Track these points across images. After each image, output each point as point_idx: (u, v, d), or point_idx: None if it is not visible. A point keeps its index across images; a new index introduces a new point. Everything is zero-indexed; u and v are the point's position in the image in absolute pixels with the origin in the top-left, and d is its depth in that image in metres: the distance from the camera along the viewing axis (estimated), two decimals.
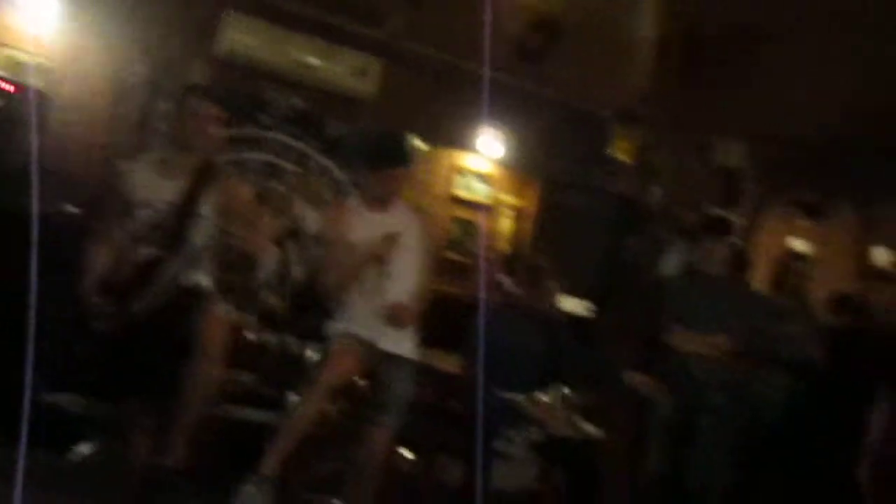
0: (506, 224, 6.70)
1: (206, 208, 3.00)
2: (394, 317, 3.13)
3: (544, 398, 3.85)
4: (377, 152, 3.38)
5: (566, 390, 3.89)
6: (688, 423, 3.82)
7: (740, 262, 4.71)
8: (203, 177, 2.98)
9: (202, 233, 3.02)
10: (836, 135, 5.80)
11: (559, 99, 6.45)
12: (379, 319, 3.15)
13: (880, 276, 4.18)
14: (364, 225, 3.23)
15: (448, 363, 4.45)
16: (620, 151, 5.69)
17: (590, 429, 3.89)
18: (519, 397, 3.82)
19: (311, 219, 5.82)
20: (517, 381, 3.83)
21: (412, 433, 4.37)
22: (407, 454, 4.40)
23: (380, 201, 3.27)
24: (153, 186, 2.97)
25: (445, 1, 4.85)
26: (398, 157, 3.33)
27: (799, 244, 7.10)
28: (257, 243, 3.31)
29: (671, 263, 4.45)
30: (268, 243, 3.40)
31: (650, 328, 4.03)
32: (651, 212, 4.71)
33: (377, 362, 3.18)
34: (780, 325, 3.92)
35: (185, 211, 2.95)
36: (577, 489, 4.33)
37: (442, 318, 5.08)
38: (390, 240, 3.09)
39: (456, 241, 6.52)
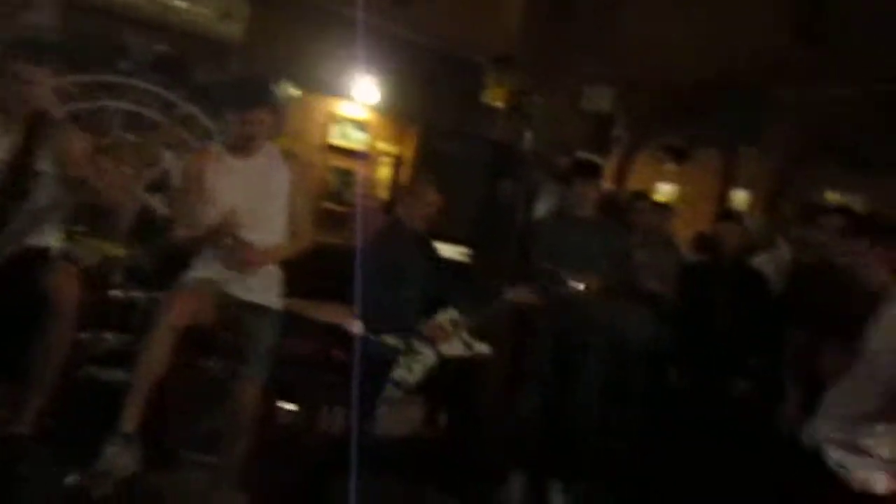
0: (384, 172, 6.65)
1: (46, 163, 2.79)
2: (242, 260, 3.02)
3: (437, 319, 3.90)
4: (236, 93, 3.23)
5: (454, 313, 3.93)
6: (565, 357, 3.95)
7: (611, 205, 4.88)
8: (35, 130, 2.76)
9: (45, 190, 2.81)
10: (701, 80, 6.05)
11: (433, 44, 6.40)
12: (233, 266, 3.05)
13: (737, 216, 4.43)
14: (226, 171, 3.10)
15: (329, 313, 4.40)
16: (494, 97, 5.72)
17: (481, 347, 3.96)
18: (400, 340, 3.84)
19: (177, 170, 5.57)
20: (405, 311, 3.83)
21: (294, 385, 4.32)
22: (288, 407, 4.35)
23: (242, 146, 3.13)
24: None
25: None
26: (257, 96, 3.19)
27: (666, 187, 7.44)
28: (110, 196, 3.09)
29: (544, 206, 4.54)
30: (121, 195, 3.18)
31: (524, 269, 4.12)
32: (524, 156, 4.78)
33: (237, 312, 3.08)
34: (643, 261, 4.10)
35: (20, 168, 2.73)
36: (460, 428, 4.42)
37: (322, 269, 5.01)
38: (231, 218, 2.94)
39: (334, 190, 6.42)
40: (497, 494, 3.87)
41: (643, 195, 5.11)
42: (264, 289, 3.16)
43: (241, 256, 3.03)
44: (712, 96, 6.26)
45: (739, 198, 6.85)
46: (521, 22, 5.13)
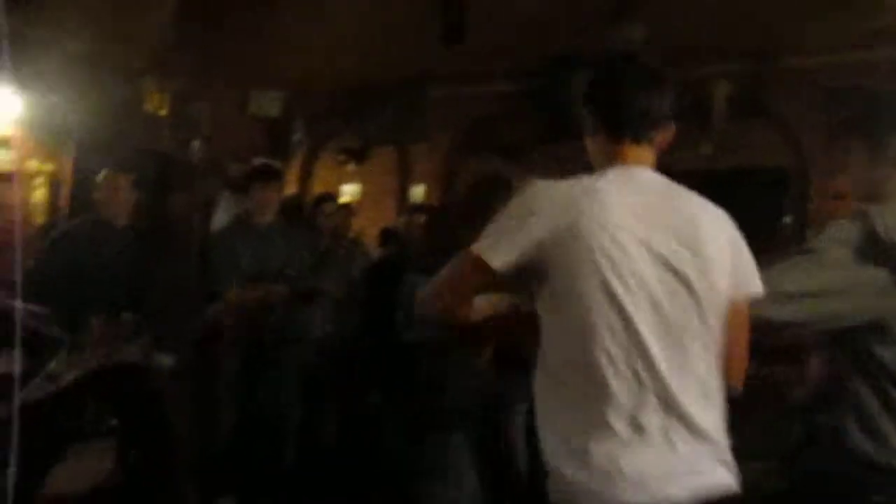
0: (40, 193, 5.92)
1: None
2: None
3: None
4: None
5: (129, 315, 3.61)
6: (258, 365, 3.86)
7: (294, 210, 4.85)
8: None
9: None
10: (367, 80, 6.26)
11: (82, 51, 5.83)
12: None
13: (417, 209, 4.65)
14: None
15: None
16: (156, 105, 5.37)
17: (164, 359, 3.68)
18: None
19: None
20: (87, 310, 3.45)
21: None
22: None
23: None
24: None
25: None
26: None
27: (350, 188, 7.61)
28: None
29: (223, 216, 4.37)
30: None
31: (207, 283, 3.95)
32: (194, 166, 4.56)
33: None
34: (318, 261, 4.14)
35: None
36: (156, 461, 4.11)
37: None
38: None
39: None
40: None
41: (329, 197, 5.17)
42: None
43: None
44: (380, 96, 6.52)
45: (417, 192, 7.21)
46: (175, 24, 4.87)
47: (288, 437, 3.98)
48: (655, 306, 1.46)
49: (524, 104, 6.28)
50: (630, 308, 1.45)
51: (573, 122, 1.78)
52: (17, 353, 2.80)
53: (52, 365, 3.39)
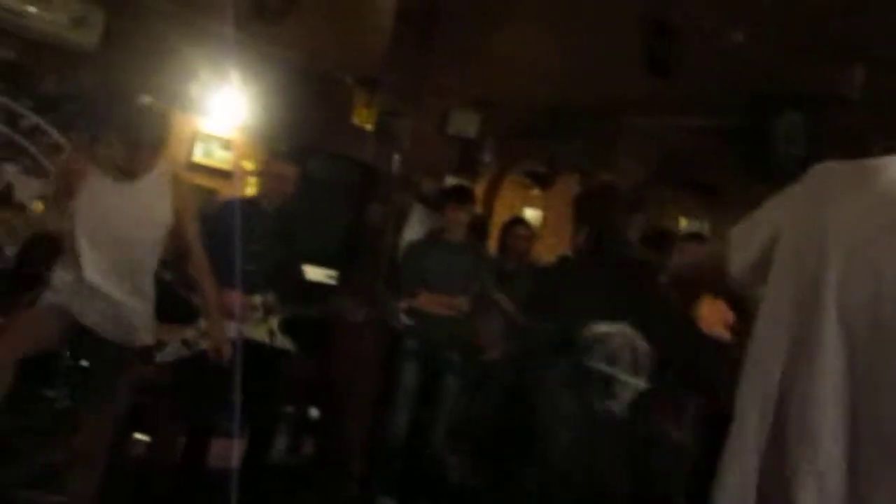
0: (250, 192, 6.47)
1: None
2: None
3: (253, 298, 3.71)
4: (129, 124, 2.97)
5: (272, 296, 3.77)
6: (429, 376, 3.99)
7: (478, 229, 4.99)
8: None
9: None
10: (560, 105, 6.30)
11: (301, 63, 6.33)
12: (86, 292, 2.86)
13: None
14: (107, 195, 2.90)
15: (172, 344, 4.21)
16: (362, 119, 5.71)
17: (285, 342, 3.83)
18: None
19: (22, 185, 5.20)
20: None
21: (146, 415, 4.10)
22: (141, 437, 4.13)
23: (128, 173, 2.93)
24: None
25: None
26: (153, 130, 2.96)
27: (530, 212, 7.67)
28: None
29: (413, 229, 4.57)
30: None
31: (392, 291, 4.14)
32: (392, 179, 4.81)
33: (92, 343, 2.90)
34: (505, 286, 4.22)
35: None
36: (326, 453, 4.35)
37: (175, 294, 4.80)
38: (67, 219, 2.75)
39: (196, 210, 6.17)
40: None
41: (521, 220, 5.24)
42: (126, 322, 2.96)
43: None
44: (572, 121, 6.54)
45: None
46: (389, 43, 5.16)
47: (454, 445, 4.08)
48: None
49: (721, 141, 6.06)
50: None
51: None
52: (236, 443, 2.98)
53: (190, 332, 3.65)
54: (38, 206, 4.91)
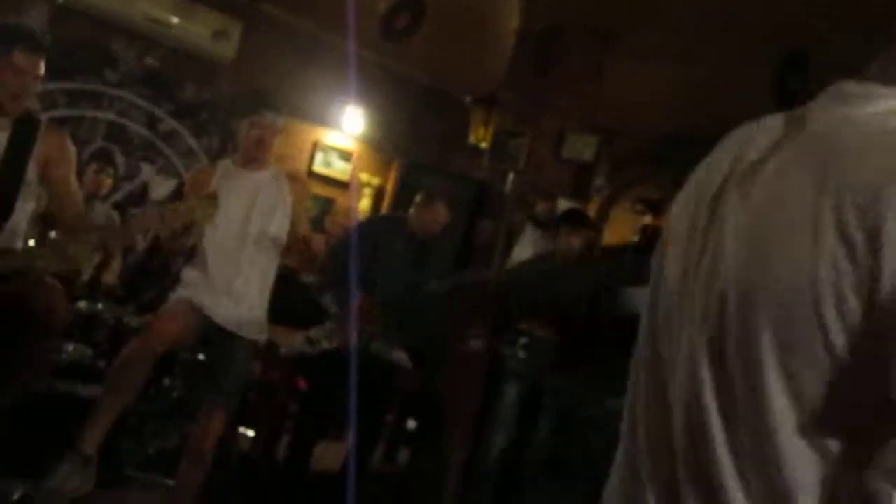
0: (365, 203, 6.66)
1: (32, 171, 2.66)
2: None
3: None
4: (245, 100, 3.16)
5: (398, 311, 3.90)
6: (530, 401, 3.96)
7: (589, 252, 4.93)
8: (25, 134, 2.63)
9: (28, 200, 2.72)
10: (678, 133, 6.16)
11: (421, 80, 6.48)
12: (217, 290, 2.99)
13: None
14: (233, 182, 3.04)
15: (298, 341, 4.37)
16: (478, 137, 5.78)
17: (403, 357, 3.91)
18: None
19: (157, 184, 5.53)
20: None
21: (255, 412, 4.26)
22: (247, 432, 4.28)
23: (250, 156, 3.07)
24: None
25: None
26: (266, 104, 3.13)
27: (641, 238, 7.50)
28: (78, 209, 2.96)
29: (524, 249, 4.57)
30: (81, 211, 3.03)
31: (502, 308, 4.14)
32: (505, 198, 4.83)
33: (214, 338, 3.03)
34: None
35: (9, 176, 2.61)
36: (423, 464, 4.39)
37: (293, 295, 4.98)
38: (209, 200, 2.85)
39: (313, 217, 6.40)
40: None
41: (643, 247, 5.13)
42: (248, 316, 3.09)
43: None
44: (690, 150, 6.36)
45: None
46: (509, 64, 5.21)
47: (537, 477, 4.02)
48: None
49: None
50: None
51: None
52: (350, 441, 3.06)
53: (314, 331, 3.76)
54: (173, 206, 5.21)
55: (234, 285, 3.01)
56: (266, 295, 3.14)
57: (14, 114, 2.63)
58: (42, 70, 2.64)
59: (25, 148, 2.66)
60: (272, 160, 3.13)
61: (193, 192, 3.02)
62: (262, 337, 3.16)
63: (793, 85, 4.05)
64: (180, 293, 3.02)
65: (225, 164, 3.17)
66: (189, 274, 3.04)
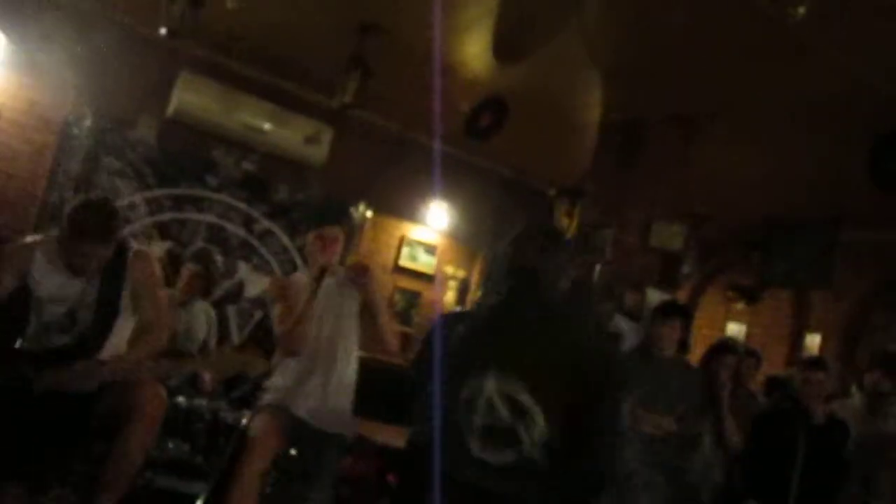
0: (450, 295, 6.72)
1: (124, 301, 2.89)
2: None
3: None
4: (312, 213, 3.39)
5: None
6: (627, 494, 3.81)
7: (682, 343, 4.79)
8: (117, 265, 2.85)
9: (122, 325, 2.91)
10: (771, 218, 6.05)
11: (505, 174, 6.60)
12: (311, 394, 3.08)
13: (824, 364, 4.22)
14: (320, 299, 3.16)
15: (388, 435, 4.36)
16: (563, 228, 5.79)
17: None
18: None
19: (252, 282, 5.74)
20: None
21: None
22: None
23: (319, 265, 3.21)
24: (58, 282, 2.80)
25: (398, 74, 4.95)
26: (328, 215, 3.36)
27: (733, 326, 7.28)
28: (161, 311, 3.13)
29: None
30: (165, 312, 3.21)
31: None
32: (593, 289, 4.79)
33: (304, 435, 3.08)
34: (708, 404, 3.99)
35: (104, 309, 2.83)
36: None
37: (383, 389, 5.00)
38: (262, 361, 2.99)
39: (400, 310, 6.50)
40: None
41: (733, 349, 4.97)
42: (340, 415, 3.15)
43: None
44: (782, 235, 6.21)
45: (812, 342, 6.64)
46: (593, 155, 5.26)
47: None
48: None
49: None
50: None
51: None
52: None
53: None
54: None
55: (317, 385, 3.08)
56: (350, 391, 3.19)
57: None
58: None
59: (118, 280, 2.86)
60: (340, 266, 3.27)
61: (277, 297, 3.18)
62: (350, 431, 3.20)
63: (890, 165, 3.95)
64: (267, 398, 3.12)
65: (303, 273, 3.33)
66: (275, 381, 3.15)
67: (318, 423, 3.06)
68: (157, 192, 5.57)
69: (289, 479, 3.68)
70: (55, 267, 2.81)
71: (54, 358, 2.69)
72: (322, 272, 3.06)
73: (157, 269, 3.07)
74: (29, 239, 2.98)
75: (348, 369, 3.20)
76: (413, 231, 6.63)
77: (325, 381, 3.11)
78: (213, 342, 4.78)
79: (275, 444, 3.00)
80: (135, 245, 3.06)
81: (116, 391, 2.71)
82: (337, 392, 3.14)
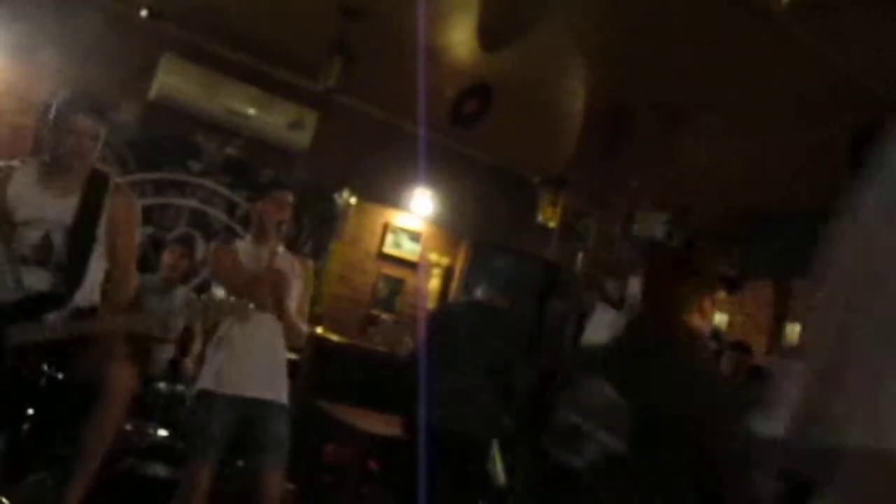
0: (434, 283, 6.71)
1: (101, 229, 2.83)
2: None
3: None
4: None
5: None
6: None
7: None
8: (94, 193, 2.81)
9: (99, 259, 2.86)
10: (752, 207, 6.08)
11: (489, 162, 6.59)
12: (246, 367, 3.11)
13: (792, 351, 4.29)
14: (248, 258, 3.22)
15: (371, 422, 4.37)
16: (547, 217, 5.81)
17: None
18: None
19: None
20: None
21: (331, 492, 4.24)
22: None
23: (262, 234, 3.28)
24: (37, 202, 2.74)
25: (383, 59, 4.92)
26: (270, 184, 3.46)
27: (717, 316, 7.32)
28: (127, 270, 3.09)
29: (596, 330, 4.51)
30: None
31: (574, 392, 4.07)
32: (575, 278, 4.81)
33: (250, 409, 3.12)
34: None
35: (81, 234, 2.75)
36: None
37: (365, 375, 5.01)
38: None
39: (383, 298, 6.49)
40: None
41: (744, 347, 5.00)
42: (278, 385, 3.20)
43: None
44: (764, 226, 6.26)
45: (792, 332, 6.69)
46: (577, 144, 5.27)
47: None
48: None
49: None
50: None
51: None
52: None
53: None
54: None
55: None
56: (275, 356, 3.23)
57: (83, 173, 2.80)
58: (100, 133, 2.80)
59: (97, 206, 2.82)
60: (282, 237, 3.29)
61: (217, 269, 3.19)
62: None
63: (866, 156, 3.96)
64: (210, 381, 3.16)
65: (243, 242, 3.35)
66: (215, 354, 3.19)
67: (254, 392, 3.11)
68: (139, 177, 5.52)
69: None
70: (35, 187, 2.77)
71: (32, 306, 2.67)
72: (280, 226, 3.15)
73: (137, 208, 3.06)
74: (7, 163, 2.89)
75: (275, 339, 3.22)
76: (397, 218, 6.61)
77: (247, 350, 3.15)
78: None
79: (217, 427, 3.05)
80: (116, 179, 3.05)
81: (87, 366, 2.70)
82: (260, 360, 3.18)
